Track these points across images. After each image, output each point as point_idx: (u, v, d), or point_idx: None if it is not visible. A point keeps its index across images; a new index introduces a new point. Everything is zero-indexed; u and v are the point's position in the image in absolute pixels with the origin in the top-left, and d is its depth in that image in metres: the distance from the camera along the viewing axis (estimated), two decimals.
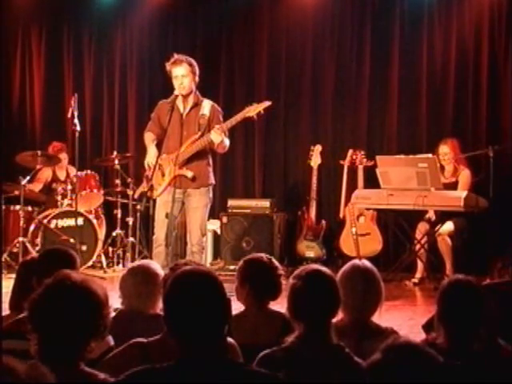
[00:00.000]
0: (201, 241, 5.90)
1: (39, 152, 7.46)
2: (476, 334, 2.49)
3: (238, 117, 5.81)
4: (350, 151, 7.65)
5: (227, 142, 5.90)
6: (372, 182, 7.12)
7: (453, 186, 6.93)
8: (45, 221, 7.42)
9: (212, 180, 6.02)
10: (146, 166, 5.89)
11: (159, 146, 5.92)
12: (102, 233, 7.80)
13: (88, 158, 8.44)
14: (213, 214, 7.60)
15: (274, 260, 3.30)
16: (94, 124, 8.81)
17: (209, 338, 2.04)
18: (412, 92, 8.01)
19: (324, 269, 2.64)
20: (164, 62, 5.91)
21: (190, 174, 5.82)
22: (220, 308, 2.07)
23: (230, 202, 8.08)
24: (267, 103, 5.86)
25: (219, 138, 5.71)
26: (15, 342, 2.51)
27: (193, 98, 5.89)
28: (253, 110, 5.78)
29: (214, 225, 8.02)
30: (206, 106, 5.92)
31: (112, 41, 8.84)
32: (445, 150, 7.04)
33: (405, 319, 5.20)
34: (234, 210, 8.03)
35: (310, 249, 7.68)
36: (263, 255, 3.30)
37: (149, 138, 6.01)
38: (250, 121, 6.01)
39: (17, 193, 7.36)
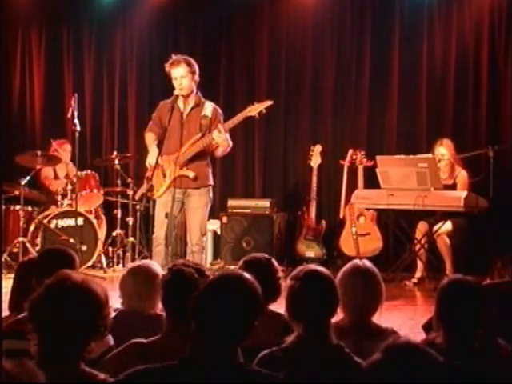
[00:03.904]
0: (201, 241, 5.89)
1: (39, 152, 7.45)
2: (476, 333, 2.49)
3: (240, 116, 5.78)
4: (350, 151, 7.64)
5: (230, 141, 5.89)
6: (372, 181, 7.13)
7: (450, 188, 6.90)
8: (45, 221, 7.41)
9: (211, 181, 6.00)
10: (148, 167, 5.89)
11: (160, 146, 5.92)
12: (102, 233, 7.78)
13: (88, 157, 8.44)
14: (213, 214, 7.59)
15: (274, 261, 3.29)
16: (94, 124, 8.81)
17: (233, 341, 2.08)
18: (412, 92, 8.00)
19: (321, 269, 2.64)
20: (164, 62, 5.90)
21: (191, 174, 5.81)
22: (254, 314, 2.12)
23: (230, 202, 8.08)
24: (269, 102, 5.83)
25: (221, 136, 5.70)
26: (15, 342, 2.51)
27: (194, 99, 5.88)
28: (254, 110, 5.76)
29: (214, 225, 8.02)
30: (208, 107, 5.91)
31: (112, 41, 8.84)
32: (441, 151, 7.02)
33: (405, 319, 5.19)
34: (234, 210, 8.03)
35: (309, 249, 7.67)
36: (262, 256, 3.29)
37: (150, 138, 6.01)
38: (251, 119, 5.99)
39: (17, 193, 7.36)
